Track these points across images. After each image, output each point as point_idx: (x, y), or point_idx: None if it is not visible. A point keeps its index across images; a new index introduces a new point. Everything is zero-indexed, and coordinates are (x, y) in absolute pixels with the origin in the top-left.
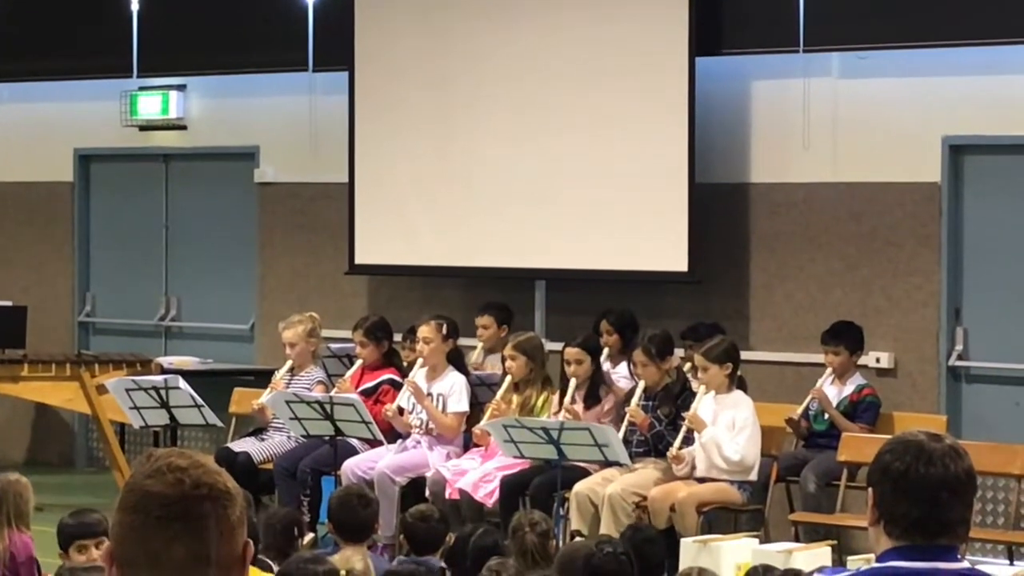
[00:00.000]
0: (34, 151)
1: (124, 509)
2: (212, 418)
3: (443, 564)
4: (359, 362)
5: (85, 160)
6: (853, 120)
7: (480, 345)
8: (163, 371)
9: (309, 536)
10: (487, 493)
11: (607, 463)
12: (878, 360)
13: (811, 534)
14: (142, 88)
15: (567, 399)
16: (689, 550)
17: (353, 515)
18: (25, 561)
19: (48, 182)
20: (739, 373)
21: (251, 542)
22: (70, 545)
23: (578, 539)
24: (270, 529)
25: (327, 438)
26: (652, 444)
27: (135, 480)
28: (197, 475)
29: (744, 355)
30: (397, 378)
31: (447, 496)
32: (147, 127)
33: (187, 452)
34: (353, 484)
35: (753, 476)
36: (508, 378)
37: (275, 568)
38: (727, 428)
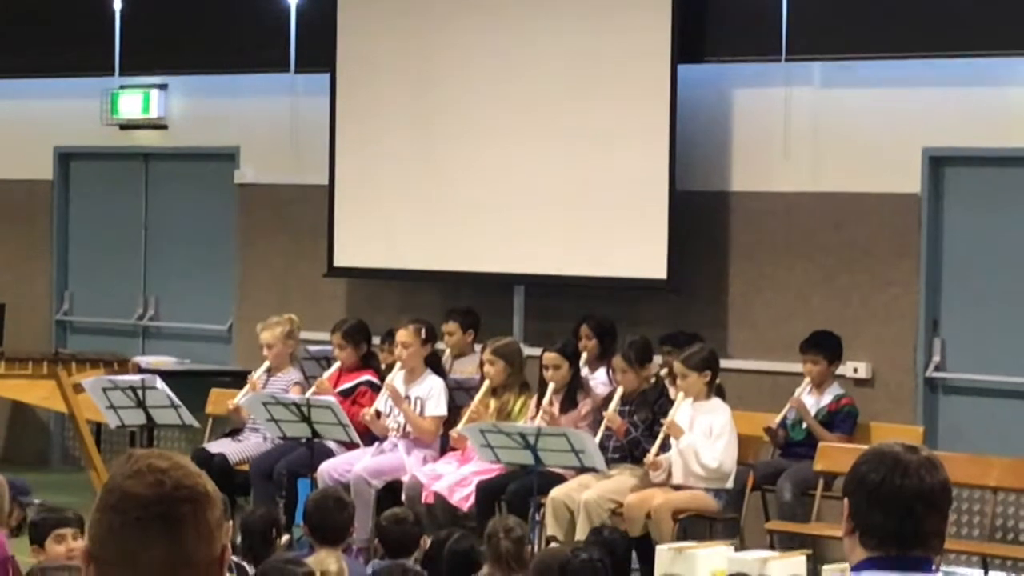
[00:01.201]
0: (14, 149)
1: (103, 509)
2: (189, 418)
3: (418, 568)
4: (337, 364)
5: (65, 158)
6: (834, 130)
7: (447, 351)
8: (140, 371)
9: (284, 538)
10: (463, 497)
11: (583, 469)
12: (856, 370)
13: (786, 543)
14: (123, 87)
15: (545, 401)
16: (664, 557)
17: (329, 518)
18: (1, 559)
19: (27, 180)
20: (718, 381)
21: (228, 545)
22: (46, 536)
23: (553, 545)
24: (247, 530)
25: (303, 440)
26: (628, 450)
27: (114, 480)
28: (177, 477)
29: (722, 363)
30: (375, 380)
31: (423, 500)
32: (128, 126)
33: (167, 453)
34: (330, 487)
35: (729, 484)
36: (486, 383)
37: (250, 570)
38: (704, 435)
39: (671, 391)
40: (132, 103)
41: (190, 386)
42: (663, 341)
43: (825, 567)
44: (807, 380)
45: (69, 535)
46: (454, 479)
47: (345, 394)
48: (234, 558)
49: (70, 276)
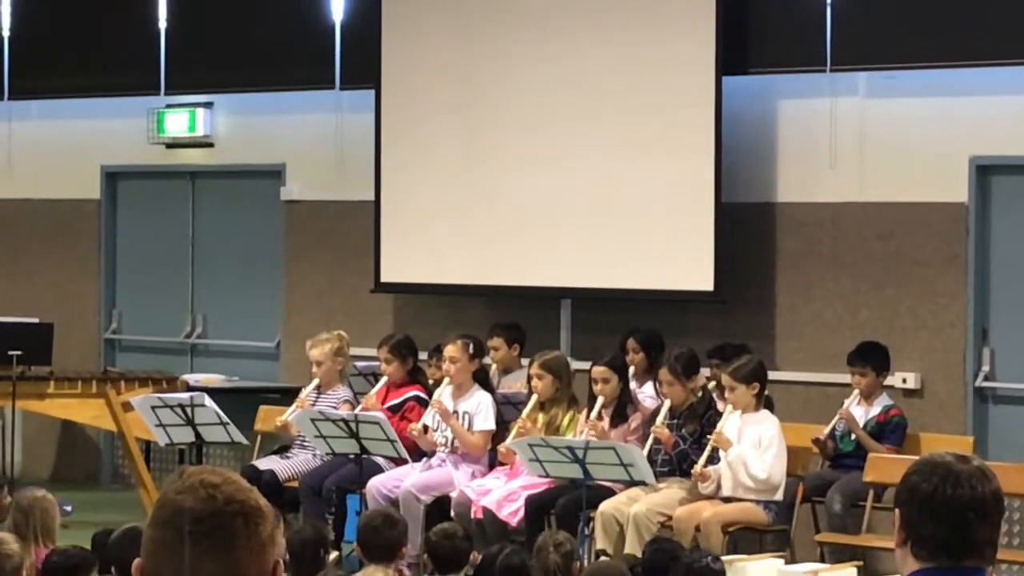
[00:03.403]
0: (61, 168)
1: (155, 524)
2: (237, 436)
3: None
4: (384, 380)
5: (112, 177)
6: (880, 140)
7: (494, 367)
8: (189, 388)
9: (334, 554)
10: (511, 512)
11: (632, 482)
12: (905, 381)
13: (837, 555)
14: (169, 106)
15: (593, 414)
16: None
17: (379, 536)
18: None
19: (75, 199)
20: (766, 393)
21: (280, 561)
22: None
23: (603, 559)
24: (297, 546)
25: (352, 456)
26: (676, 463)
27: (167, 495)
28: (229, 491)
29: (770, 375)
30: (423, 395)
31: (472, 515)
32: (174, 144)
33: (219, 469)
34: (381, 506)
35: (779, 496)
36: (534, 397)
37: None
38: (753, 447)
39: (719, 403)
40: (178, 122)
41: (238, 403)
42: (711, 354)
43: None
44: (856, 391)
45: None
46: (502, 494)
47: (393, 410)
48: None
49: (118, 295)
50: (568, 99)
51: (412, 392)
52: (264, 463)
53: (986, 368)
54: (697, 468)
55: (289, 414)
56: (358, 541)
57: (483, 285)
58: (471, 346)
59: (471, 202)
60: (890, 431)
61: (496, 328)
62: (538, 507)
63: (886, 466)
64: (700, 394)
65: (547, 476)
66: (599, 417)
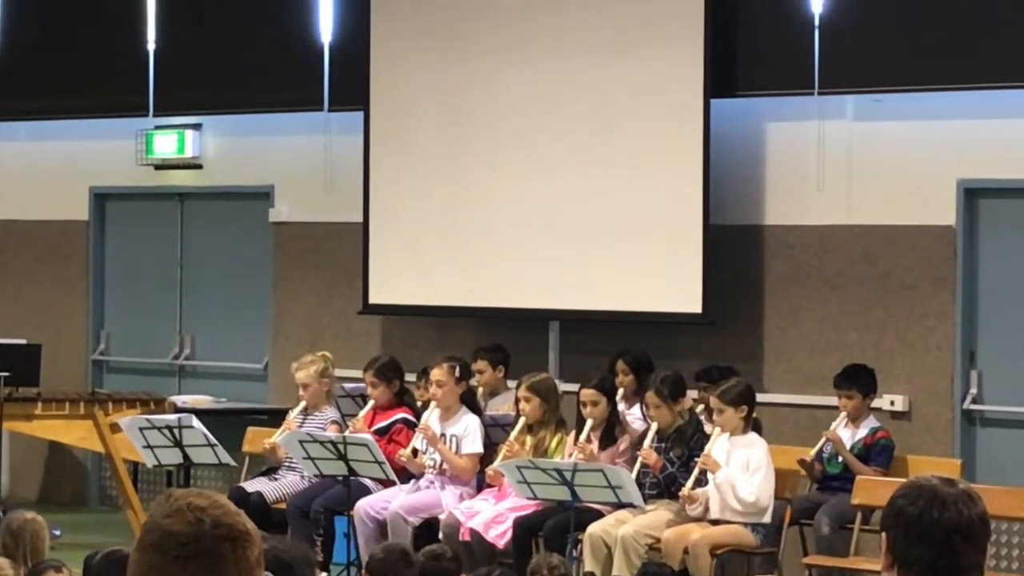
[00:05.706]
0: (50, 189)
1: (143, 548)
2: (225, 457)
3: None
4: (371, 403)
5: (100, 199)
6: (868, 163)
7: (480, 390)
8: (177, 410)
9: None
10: (499, 534)
11: (620, 504)
12: (892, 403)
13: None
14: (158, 127)
15: (582, 437)
16: None
17: (395, 572)
18: None
19: (63, 220)
20: (755, 415)
21: None
22: None
23: None
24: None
25: (340, 478)
26: (664, 485)
27: (154, 519)
28: (216, 515)
29: (757, 397)
30: (410, 417)
31: (460, 537)
32: (163, 166)
33: (206, 492)
34: (396, 541)
35: (767, 518)
36: (522, 419)
37: None
38: (741, 469)
39: (706, 425)
40: (167, 143)
41: (226, 425)
42: (698, 376)
43: None
44: (843, 414)
45: None
46: (490, 516)
47: (380, 433)
48: None
49: (106, 316)
50: (557, 121)
51: (399, 415)
52: (252, 485)
53: (974, 391)
54: (685, 490)
55: (277, 436)
56: (369, 570)
57: (471, 307)
58: (457, 369)
59: (459, 224)
60: (877, 453)
61: (479, 351)
62: (526, 529)
63: (874, 488)
64: (687, 416)
65: (535, 498)
66: (587, 439)
